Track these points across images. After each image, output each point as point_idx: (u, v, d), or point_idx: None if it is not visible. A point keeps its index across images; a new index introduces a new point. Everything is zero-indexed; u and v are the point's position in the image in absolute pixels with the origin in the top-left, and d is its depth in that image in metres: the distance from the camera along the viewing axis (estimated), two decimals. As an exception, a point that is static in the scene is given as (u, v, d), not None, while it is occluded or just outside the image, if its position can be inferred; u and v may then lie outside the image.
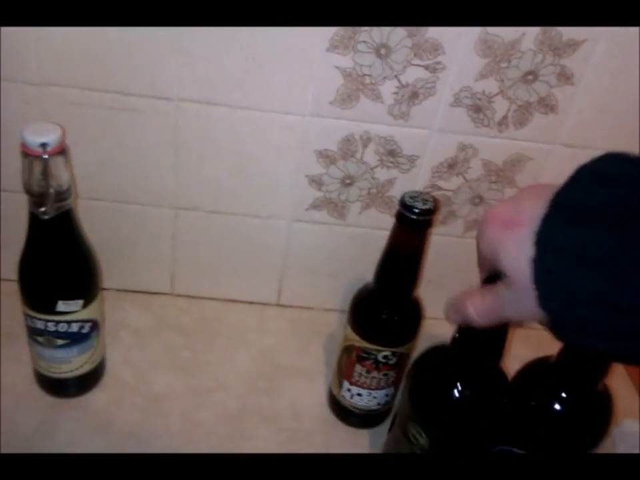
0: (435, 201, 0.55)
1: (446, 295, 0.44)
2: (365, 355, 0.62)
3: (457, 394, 0.53)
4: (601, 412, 0.54)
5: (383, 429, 0.68)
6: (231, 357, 0.75)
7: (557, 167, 0.69)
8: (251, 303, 0.82)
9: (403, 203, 0.54)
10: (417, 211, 0.54)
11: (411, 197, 0.55)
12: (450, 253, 0.77)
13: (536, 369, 0.56)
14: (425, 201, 0.54)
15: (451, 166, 0.70)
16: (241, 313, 0.81)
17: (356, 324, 0.62)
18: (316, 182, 0.71)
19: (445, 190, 0.72)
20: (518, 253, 0.35)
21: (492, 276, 0.39)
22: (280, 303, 0.82)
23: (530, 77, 0.63)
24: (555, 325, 0.35)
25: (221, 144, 0.68)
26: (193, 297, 0.81)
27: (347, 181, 0.71)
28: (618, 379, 0.81)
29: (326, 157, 0.69)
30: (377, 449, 0.67)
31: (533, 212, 0.34)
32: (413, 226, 0.55)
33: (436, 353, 0.56)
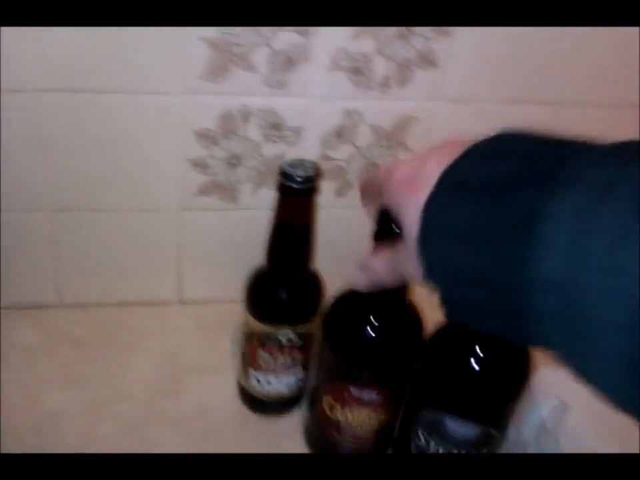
0: (317, 166, 0.52)
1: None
2: (266, 339, 0.59)
3: (371, 328, 0.52)
4: (517, 363, 0.52)
5: (299, 413, 0.65)
6: (130, 364, 0.69)
7: (444, 125, 0.68)
8: (150, 304, 0.77)
9: (282, 172, 0.51)
10: (298, 179, 0.51)
11: (291, 165, 0.51)
12: (353, 226, 0.74)
13: (449, 327, 0.54)
14: (306, 168, 0.51)
15: (339, 134, 0.67)
16: (139, 317, 0.75)
17: (251, 307, 0.59)
18: (200, 165, 0.66)
19: (337, 160, 0.69)
20: (414, 219, 0.33)
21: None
22: (182, 300, 0.78)
23: (405, 32, 0.61)
24: (440, 300, 0.33)
25: (90, 135, 0.63)
26: (85, 305, 0.75)
27: (233, 161, 0.67)
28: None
29: (206, 137, 0.65)
30: (296, 435, 0.64)
31: (434, 175, 0.32)
32: (295, 195, 0.52)
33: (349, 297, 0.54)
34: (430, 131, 0.68)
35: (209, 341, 0.73)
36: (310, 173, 0.51)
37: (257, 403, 0.65)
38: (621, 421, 0.59)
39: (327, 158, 0.68)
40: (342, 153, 0.69)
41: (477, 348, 0.50)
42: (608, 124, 0.68)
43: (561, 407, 0.56)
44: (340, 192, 0.71)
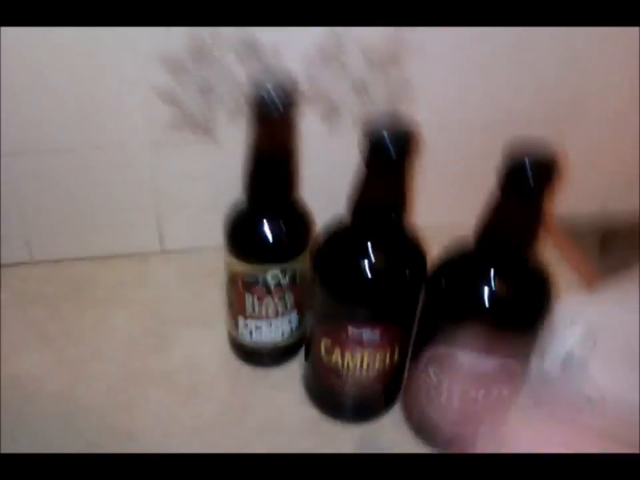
0: (295, 86, 0.45)
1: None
2: (251, 281, 0.52)
3: (367, 261, 0.45)
4: (534, 290, 0.45)
5: (298, 363, 0.59)
6: (108, 321, 0.63)
7: (445, 37, 0.60)
8: (130, 255, 0.70)
9: (255, 97, 0.44)
10: (274, 104, 0.44)
11: (265, 88, 0.44)
12: (340, 154, 0.67)
13: (456, 255, 0.47)
14: (281, 89, 0.44)
15: (323, 52, 0.59)
16: (117, 270, 0.69)
17: (232, 246, 0.52)
18: (168, 95, 0.59)
19: (322, 82, 0.61)
20: None
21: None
22: (164, 249, 0.71)
23: None
24: None
25: (40, 68, 0.55)
26: (58, 261, 0.69)
27: (205, 89, 0.59)
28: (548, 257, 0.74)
29: (173, 63, 0.57)
30: (294, 386, 0.58)
31: None
32: (272, 121, 0.45)
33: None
34: (429, 47, 0.60)
35: (195, 291, 0.67)
36: (287, 95, 0.44)
37: (250, 354, 0.59)
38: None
39: (311, 79, 0.61)
40: (327, 74, 0.61)
41: (488, 275, 0.44)
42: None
43: (588, 335, 0.50)
44: (327, 118, 0.64)
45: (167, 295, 0.66)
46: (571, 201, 0.78)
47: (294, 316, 0.56)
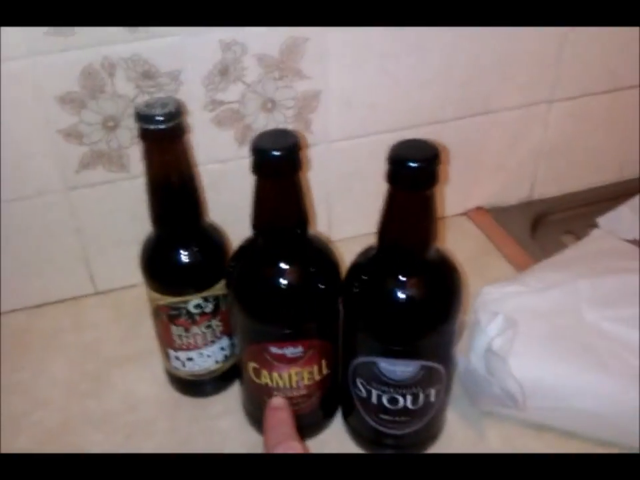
0: (178, 102, 0.45)
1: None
2: (174, 312, 0.52)
3: (278, 277, 0.46)
4: (443, 285, 0.46)
5: (237, 388, 0.58)
6: (47, 368, 0.63)
7: (340, 43, 0.61)
8: (63, 300, 0.70)
9: (138, 115, 0.44)
10: (157, 118, 0.43)
11: (147, 106, 0.44)
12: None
13: (364, 257, 0.47)
14: (164, 105, 0.44)
15: (223, 72, 0.59)
16: (52, 317, 0.68)
17: (149, 279, 0.52)
18: (73, 135, 0.59)
19: (229, 103, 0.62)
20: None
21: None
22: (97, 290, 0.71)
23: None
24: None
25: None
26: (-9, 315, 0.68)
27: (110, 124, 0.59)
28: (480, 247, 0.76)
29: (72, 102, 0.57)
30: (235, 413, 0.57)
31: None
32: (159, 139, 0.44)
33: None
34: (326, 51, 0.61)
35: (131, 328, 0.66)
36: (170, 109, 0.44)
37: (187, 385, 0.58)
38: (569, 334, 0.54)
39: (217, 103, 0.61)
40: (233, 94, 0.61)
41: (391, 277, 0.44)
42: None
43: (507, 326, 0.50)
44: (241, 139, 0.64)
45: (104, 336, 0.66)
46: (499, 189, 0.80)
47: (225, 342, 0.56)
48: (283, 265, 0.45)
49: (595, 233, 0.67)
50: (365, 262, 0.46)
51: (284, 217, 0.43)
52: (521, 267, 0.69)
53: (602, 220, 0.77)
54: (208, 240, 0.52)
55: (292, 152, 0.41)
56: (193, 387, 0.58)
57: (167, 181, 0.47)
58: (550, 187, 0.82)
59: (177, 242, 0.50)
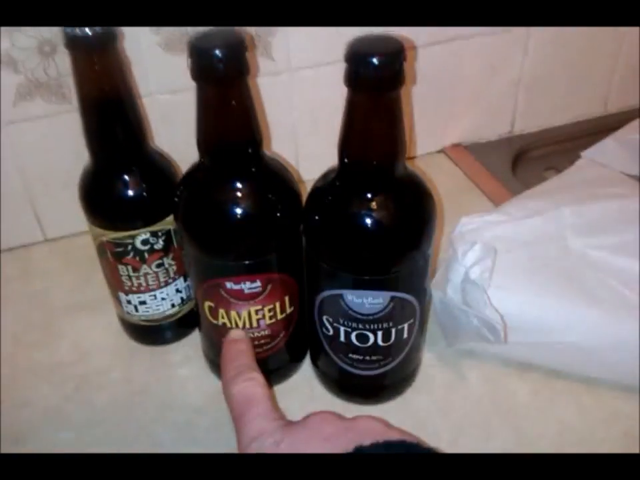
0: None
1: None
2: (120, 250, 0.47)
3: (229, 204, 0.41)
4: (412, 206, 0.41)
5: (197, 333, 0.54)
6: (-7, 320, 0.58)
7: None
8: (11, 249, 0.65)
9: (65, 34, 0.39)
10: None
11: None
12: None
13: (325, 180, 0.43)
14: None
15: None
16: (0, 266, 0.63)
17: (89, 213, 0.47)
18: (6, 62, 0.53)
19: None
20: None
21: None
22: (47, 237, 0.65)
23: None
24: None
25: None
26: None
27: (46, 49, 0.53)
28: (458, 185, 0.72)
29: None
30: (197, 360, 0.53)
31: None
32: (82, 46, 0.39)
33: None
34: None
35: (83, 277, 0.61)
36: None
37: (142, 332, 0.54)
38: (552, 263, 0.50)
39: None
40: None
41: (360, 196, 0.40)
42: None
43: (486, 252, 0.46)
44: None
45: (54, 285, 0.61)
46: (477, 124, 0.75)
47: (181, 283, 0.51)
48: (234, 190, 0.40)
49: (579, 162, 0.63)
50: (327, 185, 0.42)
51: (230, 131, 0.38)
52: (502, 204, 0.65)
53: (586, 153, 0.73)
54: (152, 167, 0.47)
55: (236, 52, 0.36)
56: (149, 333, 0.54)
57: (99, 97, 0.41)
58: (531, 121, 0.78)
59: (116, 169, 0.45)
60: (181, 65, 0.56)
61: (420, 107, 0.70)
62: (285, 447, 0.33)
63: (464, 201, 0.69)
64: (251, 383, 0.38)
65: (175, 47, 0.57)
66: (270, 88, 0.62)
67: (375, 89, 0.35)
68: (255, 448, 0.34)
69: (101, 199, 0.46)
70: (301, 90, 0.64)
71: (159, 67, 0.57)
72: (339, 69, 0.36)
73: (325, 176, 0.42)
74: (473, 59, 0.69)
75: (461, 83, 0.71)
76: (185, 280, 0.51)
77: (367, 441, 0.31)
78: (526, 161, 0.76)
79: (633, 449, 0.46)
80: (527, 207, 0.53)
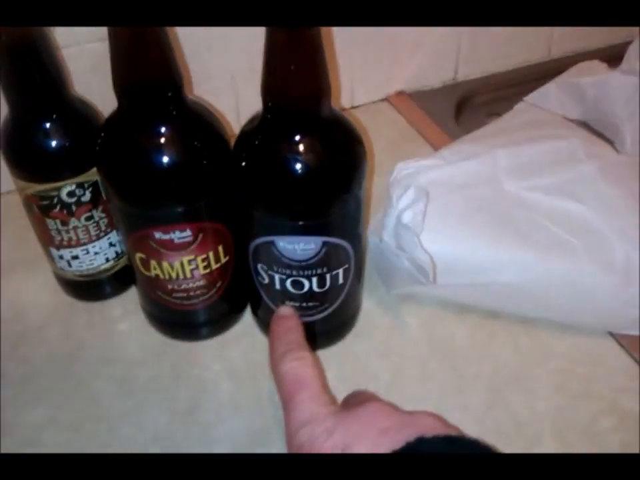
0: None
1: None
2: (45, 203, 0.46)
3: (150, 148, 0.40)
4: (340, 146, 0.41)
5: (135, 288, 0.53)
6: None
7: None
8: (-58, 208, 0.62)
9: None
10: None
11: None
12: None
13: (251, 124, 0.42)
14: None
15: None
16: None
17: (10, 164, 0.45)
18: None
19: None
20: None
21: None
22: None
23: None
24: None
25: None
26: None
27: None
28: (402, 133, 0.71)
29: None
30: (136, 315, 0.52)
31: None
32: None
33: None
34: None
35: (16, 235, 0.59)
36: None
37: (78, 288, 0.53)
38: (486, 205, 0.50)
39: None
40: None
41: (286, 138, 0.39)
42: None
43: (419, 196, 0.46)
44: None
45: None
46: (420, 71, 0.74)
47: (115, 236, 0.50)
48: (155, 134, 0.39)
49: (518, 105, 0.63)
50: (253, 129, 0.41)
51: (146, 71, 0.37)
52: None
53: (528, 98, 0.73)
54: (74, 116, 0.45)
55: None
56: (86, 289, 0.53)
57: (10, 40, 0.39)
58: (474, 67, 0.78)
59: (35, 118, 0.43)
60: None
61: (362, 55, 0.69)
62: (338, 438, 0.31)
63: (407, 149, 0.69)
64: (301, 362, 0.36)
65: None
66: (204, 34, 0.60)
67: (292, 25, 0.34)
68: (304, 434, 0.32)
69: (20, 149, 0.44)
70: (237, 36, 0.62)
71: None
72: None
73: (251, 120, 0.42)
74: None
75: (403, 28, 0.70)
76: (118, 233, 0.50)
77: (428, 434, 0.30)
78: (469, 107, 0.76)
79: (565, 384, 0.47)
80: (463, 151, 0.53)
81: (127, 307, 0.54)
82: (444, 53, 0.75)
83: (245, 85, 0.66)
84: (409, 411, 0.33)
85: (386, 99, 0.75)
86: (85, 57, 0.57)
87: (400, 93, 0.75)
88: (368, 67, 0.71)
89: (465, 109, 0.76)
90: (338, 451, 0.31)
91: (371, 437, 0.31)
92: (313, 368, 0.36)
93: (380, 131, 0.70)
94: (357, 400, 0.37)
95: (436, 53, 0.74)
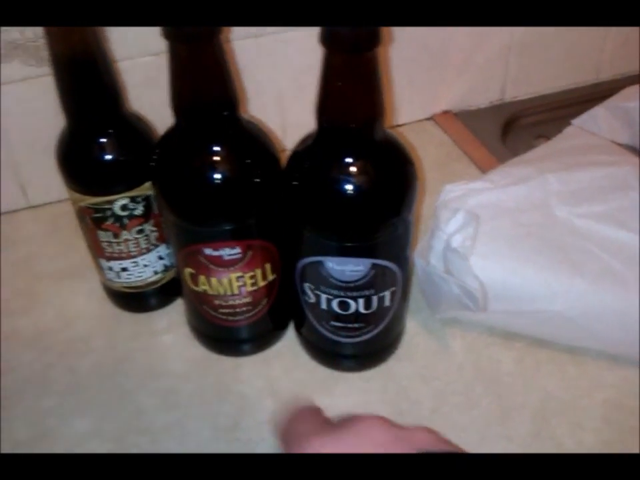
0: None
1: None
2: (99, 215, 0.46)
3: (205, 168, 0.40)
4: (393, 169, 0.40)
5: (180, 302, 0.54)
6: (-26, 285, 0.57)
7: None
8: (-9, 215, 0.64)
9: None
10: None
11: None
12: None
13: (304, 144, 0.42)
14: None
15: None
16: (-21, 231, 0.63)
17: (67, 177, 0.46)
18: (-17, 22, 0.52)
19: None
20: None
21: None
22: (31, 204, 0.65)
23: None
24: None
25: None
26: None
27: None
28: (447, 153, 0.71)
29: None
30: (180, 327, 0.53)
31: None
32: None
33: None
34: None
35: (67, 242, 0.61)
36: None
37: (125, 299, 0.54)
38: (537, 232, 0.49)
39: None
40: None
41: (339, 160, 0.39)
42: None
43: (469, 220, 0.46)
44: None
45: (37, 251, 0.61)
46: (467, 90, 0.74)
47: (163, 250, 0.51)
48: (210, 153, 0.40)
49: (567, 129, 0.62)
50: (306, 149, 0.41)
51: (205, 91, 0.37)
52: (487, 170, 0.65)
53: (576, 121, 0.72)
54: (130, 131, 0.46)
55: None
56: (133, 300, 0.53)
57: (72, 56, 0.40)
58: (522, 88, 0.77)
59: (93, 132, 0.44)
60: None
61: (409, 73, 0.69)
62: (331, 449, 0.31)
63: (452, 169, 0.68)
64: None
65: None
66: (252, 51, 0.60)
67: (351, 49, 0.34)
68: (300, 448, 0.32)
69: (77, 162, 0.45)
70: (284, 53, 0.63)
71: (140, 29, 0.56)
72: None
73: (304, 140, 0.42)
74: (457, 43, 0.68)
75: (451, 47, 0.70)
76: (168, 247, 0.51)
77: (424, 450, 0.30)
78: (516, 128, 0.76)
79: (614, 417, 0.46)
80: (512, 175, 0.52)
81: (172, 319, 0.54)
82: (492, 73, 0.74)
83: (292, 101, 0.66)
84: (404, 427, 0.33)
85: (431, 118, 0.75)
86: (137, 71, 0.58)
87: (446, 112, 0.75)
88: (414, 85, 0.71)
89: (512, 129, 0.75)
90: None
91: (366, 452, 0.31)
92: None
93: (425, 150, 0.69)
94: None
95: (484, 72, 0.73)
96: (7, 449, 0.45)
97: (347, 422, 0.33)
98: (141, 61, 0.58)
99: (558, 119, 0.75)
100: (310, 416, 0.35)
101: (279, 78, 0.64)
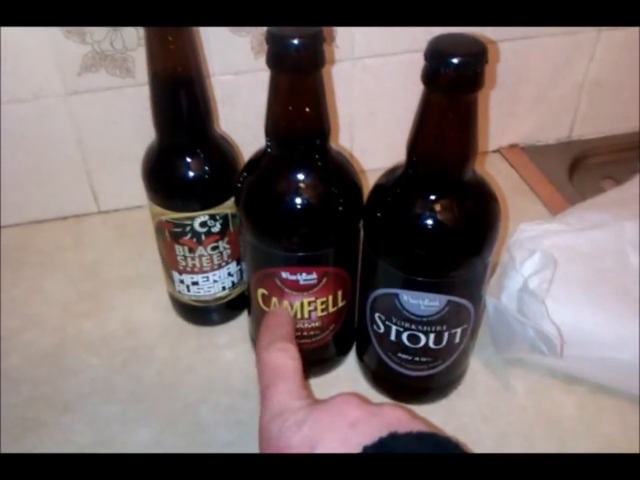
0: None
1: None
2: (178, 230, 0.47)
3: (292, 194, 0.40)
4: (478, 212, 0.41)
5: (245, 318, 0.54)
6: (44, 286, 0.59)
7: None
8: (65, 218, 0.66)
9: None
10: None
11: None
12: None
13: (389, 176, 0.42)
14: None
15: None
16: (52, 233, 0.64)
17: (151, 192, 0.47)
18: (74, 32, 0.53)
19: None
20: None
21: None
22: (101, 209, 0.66)
23: None
24: None
25: None
26: (-14, 229, 0.64)
27: (117, 22, 0.54)
28: (513, 188, 0.70)
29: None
30: (242, 344, 0.53)
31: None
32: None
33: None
34: None
35: (135, 250, 0.62)
36: None
37: (191, 311, 0.54)
38: (611, 278, 0.49)
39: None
40: None
41: (425, 196, 0.39)
42: None
43: (546, 265, 0.45)
44: (258, 48, 0.58)
45: (105, 257, 0.62)
46: (536, 125, 0.74)
47: (233, 267, 0.51)
48: (299, 180, 0.40)
49: (638, 177, 0.61)
50: (391, 182, 0.41)
51: (301, 120, 0.38)
52: (557, 210, 0.64)
53: (647, 166, 0.71)
54: (217, 151, 0.47)
55: (315, 42, 0.35)
56: (198, 314, 0.54)
57: (172, 75, 0.41)
58: (591, 127, 0.76)
59: (182, 150, 0.45)
60: (245, 46, 0.57)
61: (481, 105, 0.69)
62: (307, 430, 0.31)
63: (518, 205, 0.68)
64: (284, 353, 0.37)
65: (240, 28, 0.56)
66: (331, 74, 0.61)
67: (454, 90, 0.34)
68: (275, 426, 0.33)
69: (164, 178, 0.46)
70: (361, 80, 0.63)
71: (223, 48, 0.57)
72: (401, 60, 0.35)
73: (390, 172, 0.42)
74: (538, 59, 0.68)
75: (523, 83, 0.69)
76: (238, 264, 0.51)
77: (400, 429, 0.30)
78: (583, 167, 0.75)
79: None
80: (587, 219, 0.52)
81: (234, 335, 0.55)
82: (562, 110, 0.74)
83: (362, 126, 0.67)
84: (376, 403, 0.33)
85: (498, 151, 0.75)
86: (217, 89, 0.59)
87: (513, 146, 0.75)
88: (484, 118, 0.70)
89: (579, 168, 0.74)
90: (306, 444, 0.31)
91: (340, 431, 0.31)
92: (294, 360, 0.36)
93: (492, 183, 0.69)
94: None
95: (555, 109, 0.73)
96: (71, 451, 0.46)
97: (322, 401, 0.34)
98: (220, 79, 0.59)
99: (626, 160, 0.74)
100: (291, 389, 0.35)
101: (353, 102, 0.65)
